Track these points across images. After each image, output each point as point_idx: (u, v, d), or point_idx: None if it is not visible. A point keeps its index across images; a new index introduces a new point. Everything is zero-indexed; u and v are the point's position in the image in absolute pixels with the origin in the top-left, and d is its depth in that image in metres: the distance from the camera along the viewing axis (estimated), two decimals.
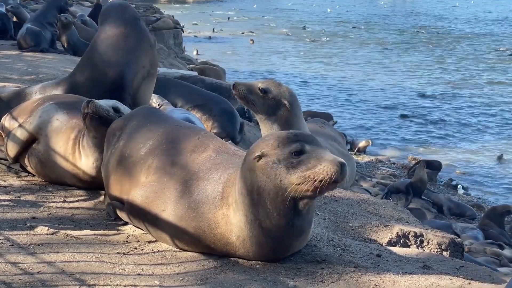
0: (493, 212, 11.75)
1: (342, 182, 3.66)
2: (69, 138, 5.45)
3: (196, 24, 46.95)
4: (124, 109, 5.33)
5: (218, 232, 3.90)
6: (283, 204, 3.69)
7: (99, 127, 5.23)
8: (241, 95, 5.95)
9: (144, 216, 4.24)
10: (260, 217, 3.76)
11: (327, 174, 3.55)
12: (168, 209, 4.07)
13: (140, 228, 4.47)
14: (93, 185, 5.40)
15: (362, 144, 16.94)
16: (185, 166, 4.14)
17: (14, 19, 15.85)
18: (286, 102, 5.97)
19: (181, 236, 4.04)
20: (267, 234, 3.79)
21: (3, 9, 15.48)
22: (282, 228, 3.77)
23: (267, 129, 6.00)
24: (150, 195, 4.18)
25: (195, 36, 40.46)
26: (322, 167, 3.57)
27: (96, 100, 5.23)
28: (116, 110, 5.26)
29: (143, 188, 4.25)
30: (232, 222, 3.85)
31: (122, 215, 4.59)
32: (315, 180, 3.57)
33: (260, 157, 3.71)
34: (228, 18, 54.04)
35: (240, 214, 3.82)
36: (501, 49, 38.42)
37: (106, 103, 5.28)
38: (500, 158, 17.25)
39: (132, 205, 4.32)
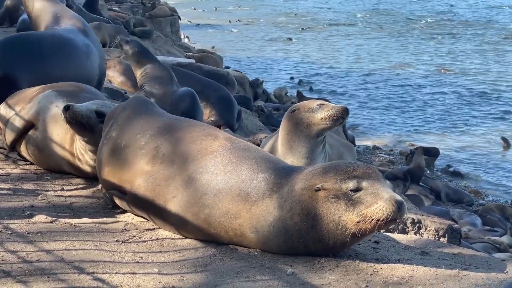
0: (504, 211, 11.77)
1: (401, 219, 3.59)
2: (69, 128, 5.36)
3: (191, 11, 46.79)
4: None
5: (237, 223, 3.88)
6: (342, 235, 3.66)
7: (81, 132, 5.15)
8: None
9: (150, 203, 4.21)
10: (306, 236, 3.73)
11: (383, 214, 3.50)
12: (179, 195, 4.05)
13: (140, 216, 4.47)
14: (90, 175, 5.39)
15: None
16: (197, 153, 4.10)
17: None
18: None
19: (189, 222, 4.02)
20: (303, 247, 3.79)
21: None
22: (323, 249, 3.77)
23: None
24: (160, 182, 4.15)
25: (189, 22, 40.27)
26: (378, 206, 3.52)
27: (75, 105, 5.07)
28: (100, 114, 5.10)
29: (150, 175, 4.22)
30: (259, 221, 3.83)
31: (122, 204, 4.58)
32: (372, 219, 3.52)
33: (319, 189, 3.67)
34: (228, 7, 53.86)
35: (276, 220, 3.78)
36: (505, 36, 38.22)
37: (88, 107, 5.12)
38: (505, 142, 16.98)
39: (137, 192, 4.29)
